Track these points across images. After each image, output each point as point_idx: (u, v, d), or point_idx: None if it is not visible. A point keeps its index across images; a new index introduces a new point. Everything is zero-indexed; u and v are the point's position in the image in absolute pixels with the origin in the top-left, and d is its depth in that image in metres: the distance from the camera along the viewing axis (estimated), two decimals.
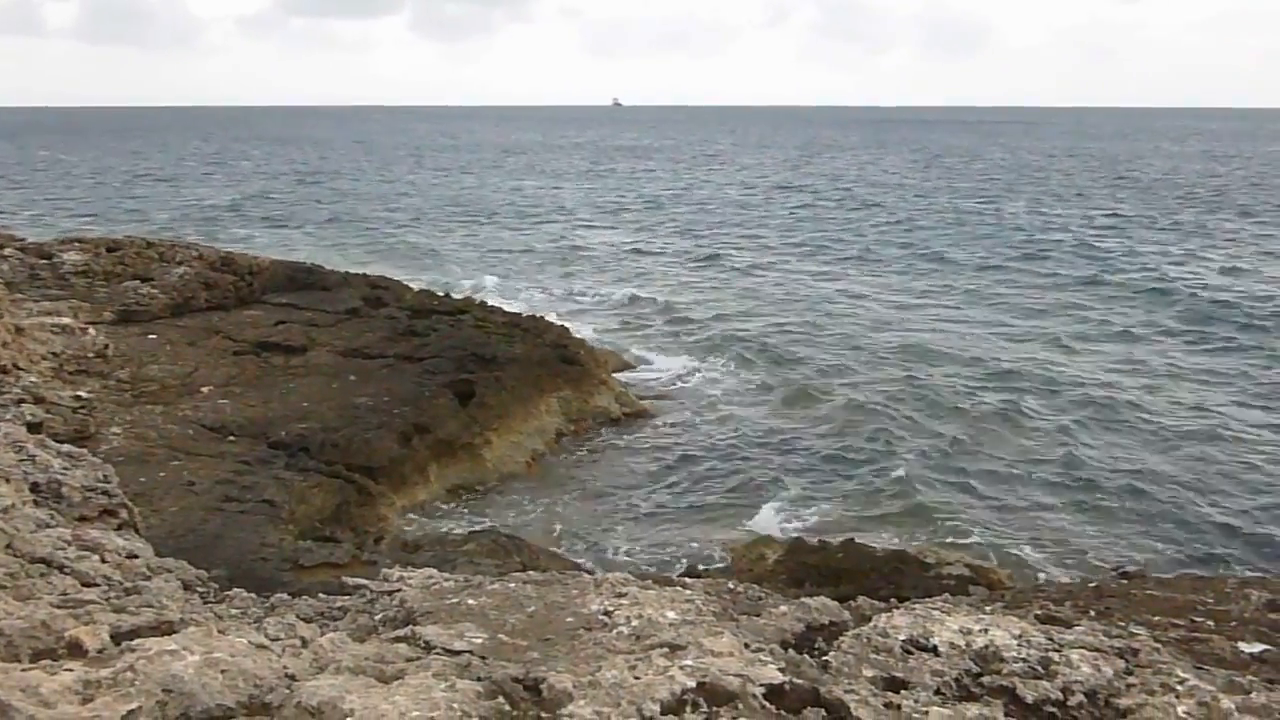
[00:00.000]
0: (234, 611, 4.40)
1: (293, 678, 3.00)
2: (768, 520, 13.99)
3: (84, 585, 4.15)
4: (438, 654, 3.30)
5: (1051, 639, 3.41)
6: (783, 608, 3.85)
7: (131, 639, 3.19)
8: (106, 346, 14.41)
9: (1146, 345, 24.31)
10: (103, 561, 4.59)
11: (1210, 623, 4.76)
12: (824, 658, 3.34)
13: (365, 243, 41.06)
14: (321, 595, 4.84)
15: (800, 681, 3.05)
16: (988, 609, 4.31)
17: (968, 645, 3.36)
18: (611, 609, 3.72)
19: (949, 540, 13.22)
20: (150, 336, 16.37)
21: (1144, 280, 32.09)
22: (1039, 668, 3.23)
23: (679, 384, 20.99)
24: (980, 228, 45.92)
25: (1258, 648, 4.39)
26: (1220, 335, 25.11)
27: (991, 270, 34.87)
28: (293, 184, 69.45)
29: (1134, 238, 41.94)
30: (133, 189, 63.99)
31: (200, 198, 58.65)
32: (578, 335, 20.34)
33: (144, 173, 77.91)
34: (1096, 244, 39.92)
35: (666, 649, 3.23)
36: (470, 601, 3.89)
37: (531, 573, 4.43)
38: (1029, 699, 3.06)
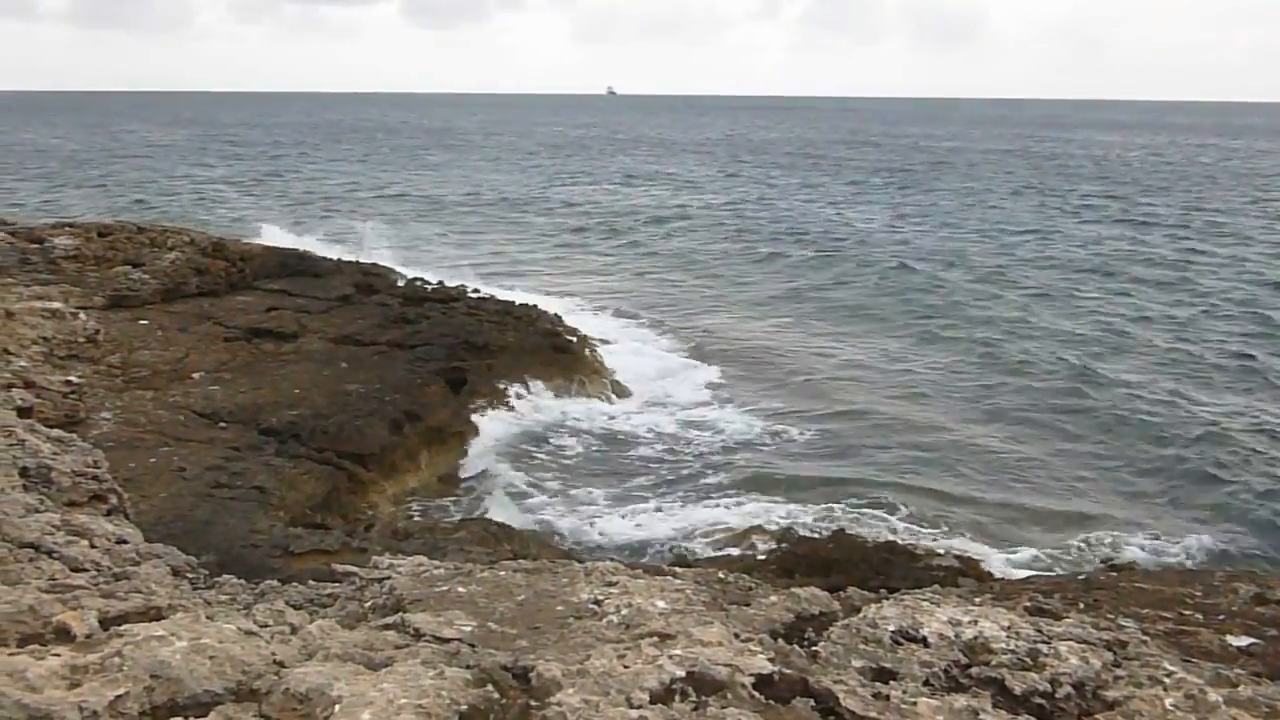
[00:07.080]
0: (223, 598, 4.38)
1: (281, 664, 3.00)
2: (757, 510, 14.01)
3: (72, 570, 4.13)
4: (427, 641, 3.30)
5: (1040, 631, 3.42)
6: (772, 598, 3.85)
7: (120, 624, 3.18)
8: (97, 331, 14.32)
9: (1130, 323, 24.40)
10: (91, 547, 4.56)
11: (1198, 616, 4.78)
12: (813, 648, 3.34)
13: None
14: (311, 582, 4.82)
15: (789, 671, 3.05)
16: (977, 600, 4.32)
17: (956, 636, 3.37)
18: (601, 598, 3.72)
19: (938, 531, 13.26)
20: (141, 322, 16.28)
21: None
22: (1027, 659, 3.23)
23: (669, 375, 20.97)
24: None
25: (1245, 641, 4.41)
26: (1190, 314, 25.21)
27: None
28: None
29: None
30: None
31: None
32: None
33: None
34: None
35: (656, 638, 3.23)
36: (460, 589, 3.88)
37: (522, 561, 4.42)
38: (1017, 690, 3.07)
